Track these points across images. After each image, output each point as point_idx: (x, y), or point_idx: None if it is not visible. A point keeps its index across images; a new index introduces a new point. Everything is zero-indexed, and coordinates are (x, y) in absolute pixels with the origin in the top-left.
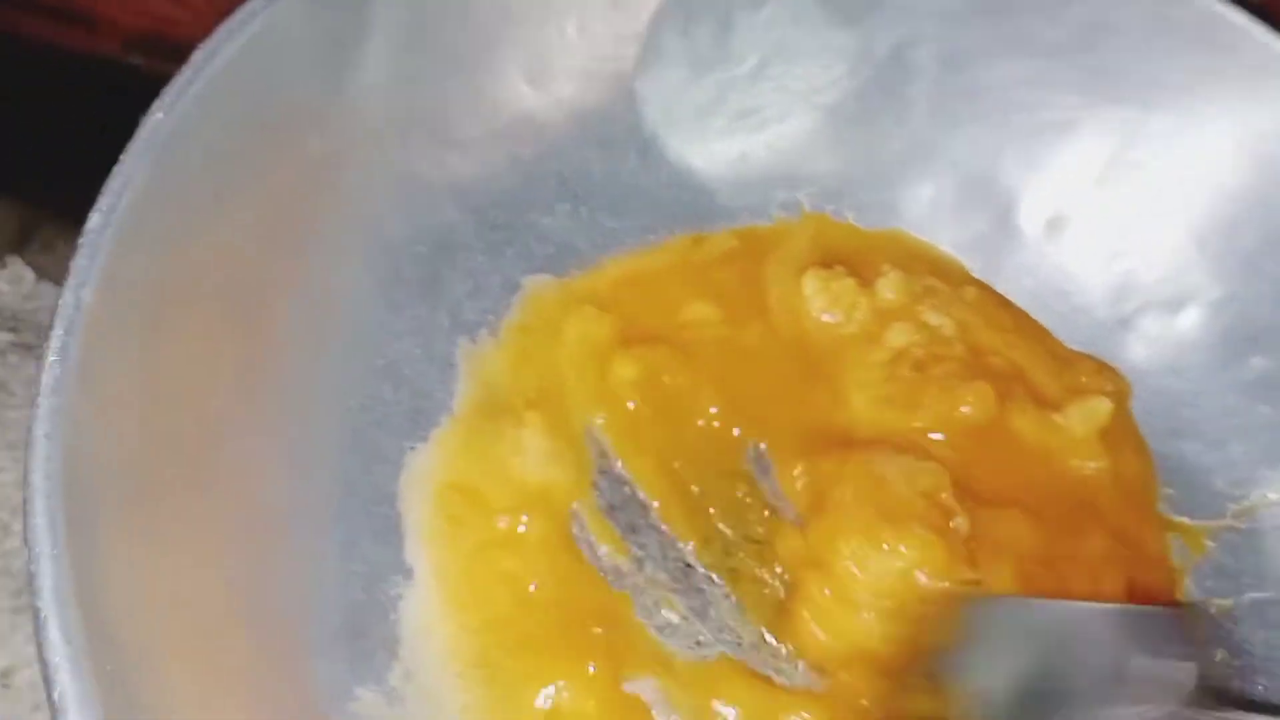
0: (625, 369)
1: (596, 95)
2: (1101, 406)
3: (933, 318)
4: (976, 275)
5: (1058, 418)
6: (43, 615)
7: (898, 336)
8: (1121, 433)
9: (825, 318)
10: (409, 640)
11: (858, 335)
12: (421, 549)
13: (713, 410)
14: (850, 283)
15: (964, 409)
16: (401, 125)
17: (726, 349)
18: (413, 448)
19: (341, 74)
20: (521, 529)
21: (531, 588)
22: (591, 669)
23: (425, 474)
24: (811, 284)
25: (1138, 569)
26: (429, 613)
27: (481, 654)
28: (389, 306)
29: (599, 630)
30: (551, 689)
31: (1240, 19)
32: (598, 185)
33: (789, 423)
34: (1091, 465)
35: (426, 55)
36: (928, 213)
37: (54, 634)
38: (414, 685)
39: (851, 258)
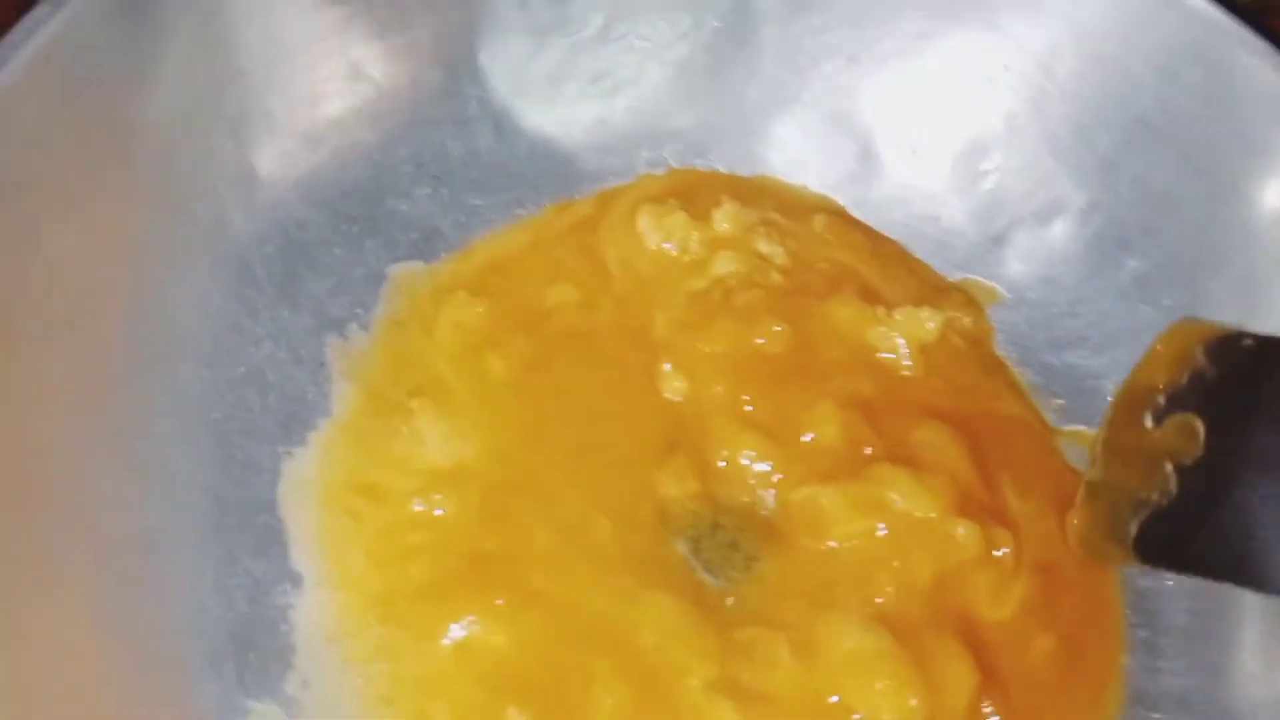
0: (497, 365)
1: (439, 73)
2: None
3: (764, 246)
4: (851, 212)
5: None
6: None
7: (722, 265)
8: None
9: (665, 247)
10: (304, 647)
11: (688, 265)
12: (313, 553)
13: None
14: (682, 215)
15: (758, 340)
16: (231, 121)
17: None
18: (289, 453)
19: (156, 73)
20: (438, 511)
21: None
22: (500, 602)
23: (308, 479)
24: (645, 220)
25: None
26: (325, 616)
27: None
28: (244, 311)
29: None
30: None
31: None
32: (456, 164)
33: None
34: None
35: (245, 47)
36: (794, 156)
37: None
38: (313, 692)
39: (688, 194)
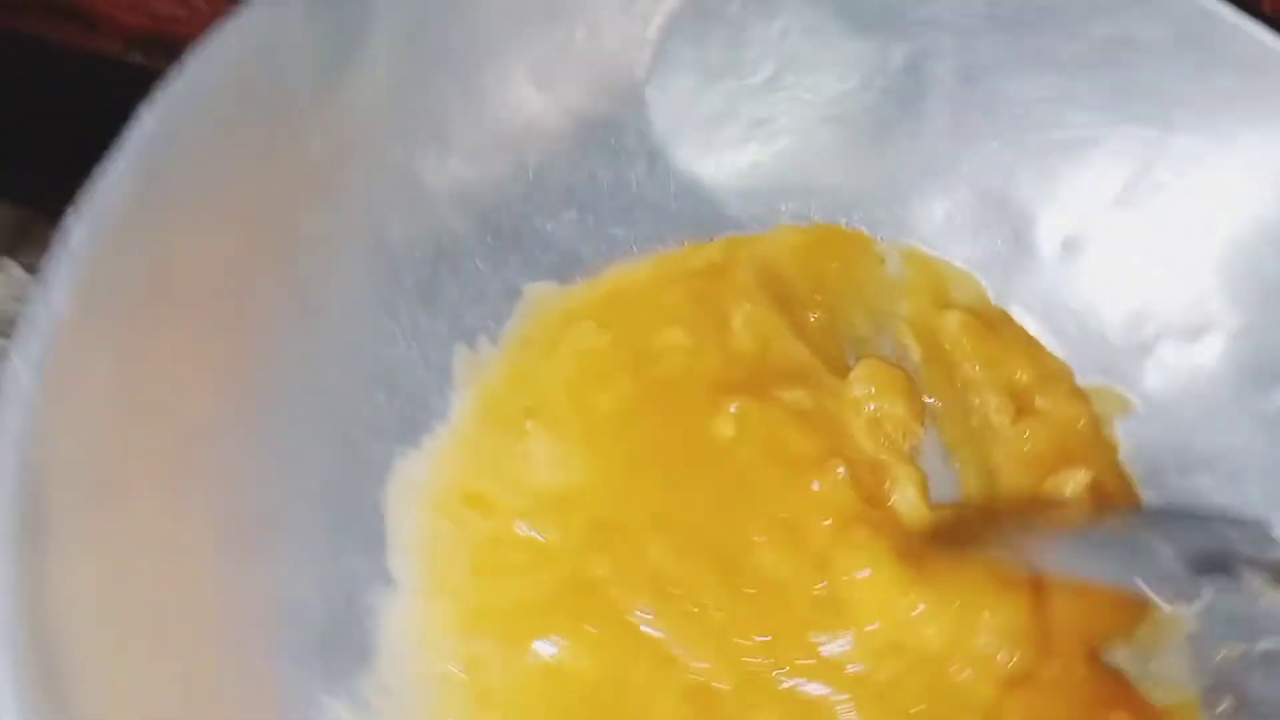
0: (605, 401)
1: (605, 102)
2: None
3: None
4: (991, 294)
5: None
6: None
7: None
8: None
9: None
10: (387, 651)
11: None
12: (410, 557)
13: None
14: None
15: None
16: (403, 129)
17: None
18: (404, 454)
19: (341, 77)
20: (543, 534)
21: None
22: (592, 629)
23: (417, 482)
24: None
25: None
26: (414, 623)
27: (476, 629)
28: (386, 312)
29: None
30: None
31: (1269, 39)
32: (604, 193)
33: None
34: None
35: (429, 58)
36: (941, 229)
37: None
38: (388, 698)
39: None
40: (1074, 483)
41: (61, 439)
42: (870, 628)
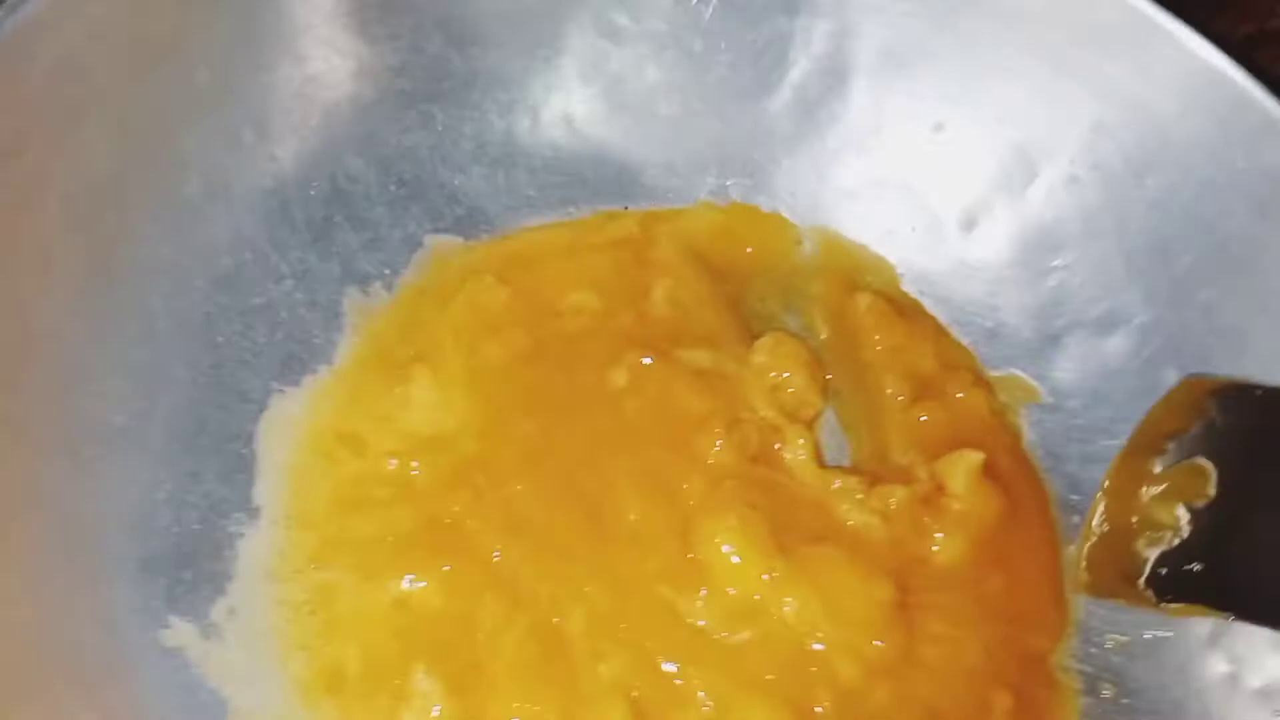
0: (495, 350)
1: (521, 62)
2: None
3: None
4: (903, 280)
5: None
6: None
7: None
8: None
9: None
10: (242, 578)
11: None
12: (279, 489)
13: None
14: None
15: None
16: (301, 63)
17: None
18: (281, 391)
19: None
20: (414, 471)
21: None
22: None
23: (293, 418)
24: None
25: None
26: (271, 553)
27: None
28: (273, 246)
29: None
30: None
31: (1173, 26)
32: (519, 151)
33: None
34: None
35: None
36: (860, 212)
37: None
38: (237, 622)
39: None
40: (965, 463)
41: None
42: (730, 590)
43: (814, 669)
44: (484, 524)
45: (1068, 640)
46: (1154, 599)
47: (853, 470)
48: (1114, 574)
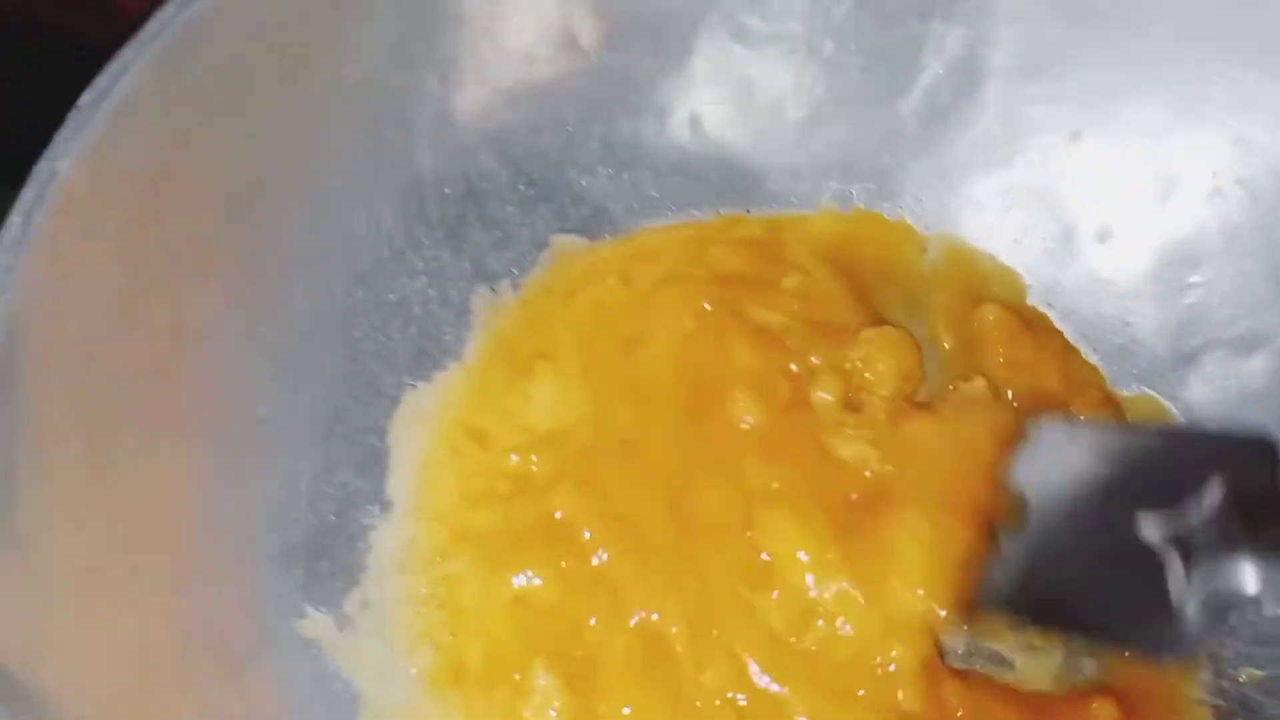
0: (610, 348)
1: (654, 63)
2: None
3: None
4: (1034, 291)
5: None
6: None
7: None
8: None
9: None
10: (374, 570)
11: None
12: (410, 484)
13: None
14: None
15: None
16: (440, 62)
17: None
18: (413, 386)
19: (380, 3)
20: (533, 466)
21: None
22: (564, 564)
23: (424, 413)
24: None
25: None
26: (402, 546)
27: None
28: (409, 244)
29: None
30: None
31: None
32: (644, 154)
33: None
34: None
35: None
36: (989, 222)
37: None
38: (369, 614)
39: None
40: None
41: (52, 305)
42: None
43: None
44: (589, 520)
45: (1198, 672)
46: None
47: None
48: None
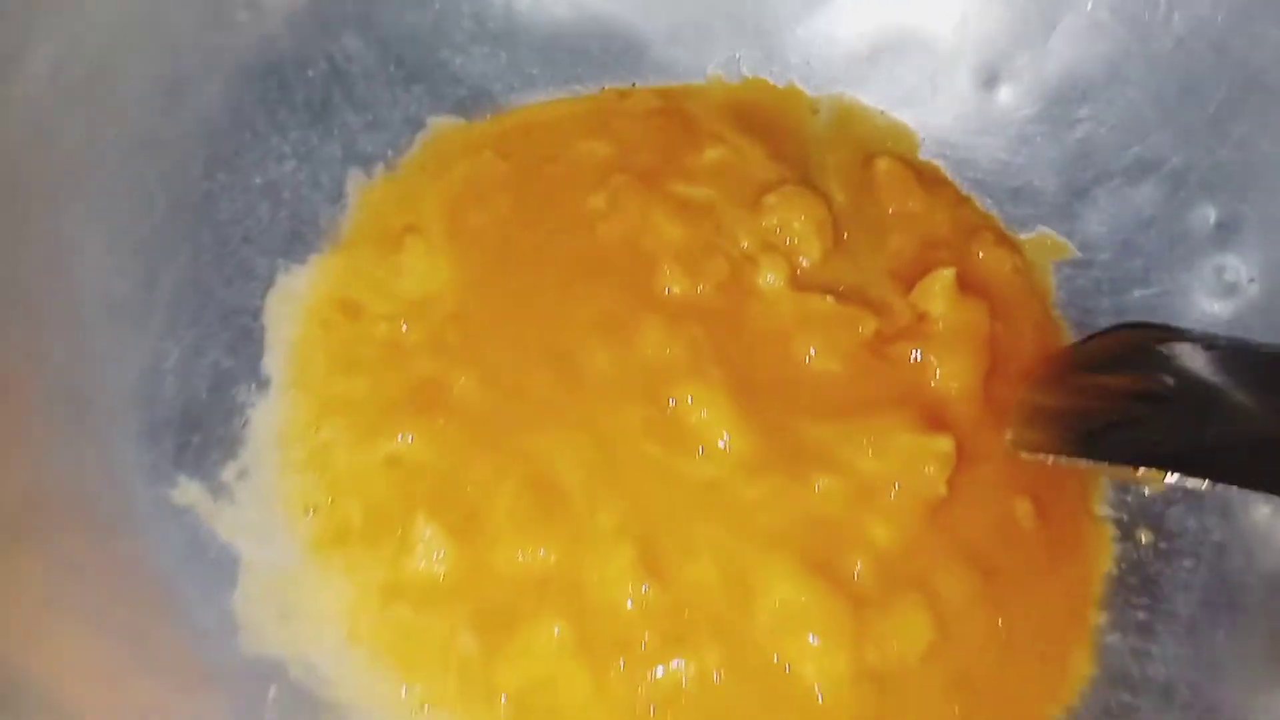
0: (479, 217)
1: None
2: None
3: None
4: (926, 143)
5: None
6: None
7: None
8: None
9: None
10: (252, 444)
11: None
12: (285, 360)
13: None
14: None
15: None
16: None
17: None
18: (287, 268)
19: None
20: (402, 332)
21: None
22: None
23: (298, 293)
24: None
25: None
26: (279, 420)
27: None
28: (273, 127)
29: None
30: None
31: None
32: (521, 28)
33: None
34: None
35: None
36: (874, 74)
37: None
38: (247, 483)
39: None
40: (939, 281)
41: None
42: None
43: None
44: (466, 381)
45: (1099, 487)
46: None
47: (828, 289)
48: (1049, 436)
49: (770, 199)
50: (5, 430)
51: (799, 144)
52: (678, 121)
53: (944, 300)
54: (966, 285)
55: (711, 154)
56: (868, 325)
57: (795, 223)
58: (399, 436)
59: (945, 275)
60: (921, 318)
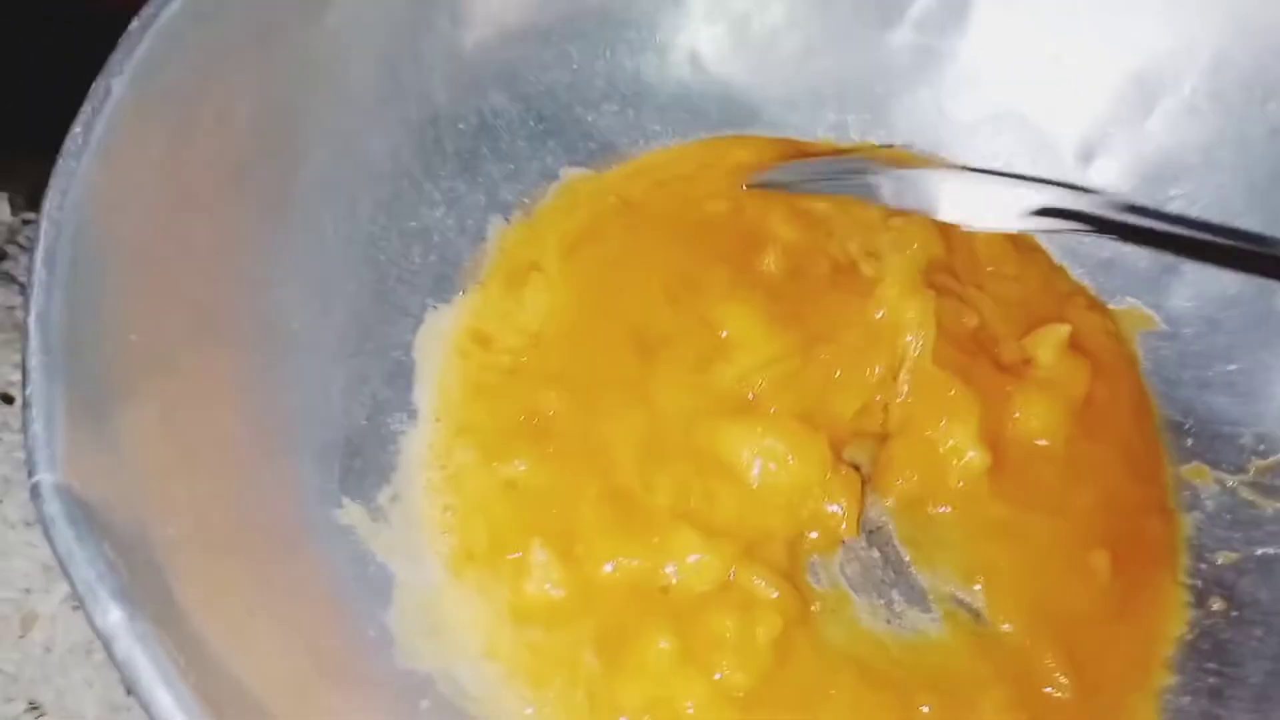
0: (592, 254)
1: (653, 3)
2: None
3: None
4: None
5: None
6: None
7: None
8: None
9: None
10: (404, 470)
11: None
12: (434, 392)
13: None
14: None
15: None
16: (453, 4)
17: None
18: (435, 307)
19: None
20: (521, 361)
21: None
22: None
23: (444, 331)
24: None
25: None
26: (424, 446)
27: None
28: (427, 175)
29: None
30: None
31: None
32: (646, 89)
33: None
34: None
35: None
36: (978, 146)
37: (34, 360)
38: (399, 507)
39: None
40: (1053, 335)
41: (109, 207)
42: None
43: None
44: (562, 403)
45: (1178, 554)
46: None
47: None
48: None
49: (895, 221)
50: (214, 452)
51: None
52: (797, 157)
53: (1055, 351)
54: (1073, 344)
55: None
56: (970, 319)
57: (908, 248)
58: (514, 462)
59: (1061, 329)
60: (1028, 362)
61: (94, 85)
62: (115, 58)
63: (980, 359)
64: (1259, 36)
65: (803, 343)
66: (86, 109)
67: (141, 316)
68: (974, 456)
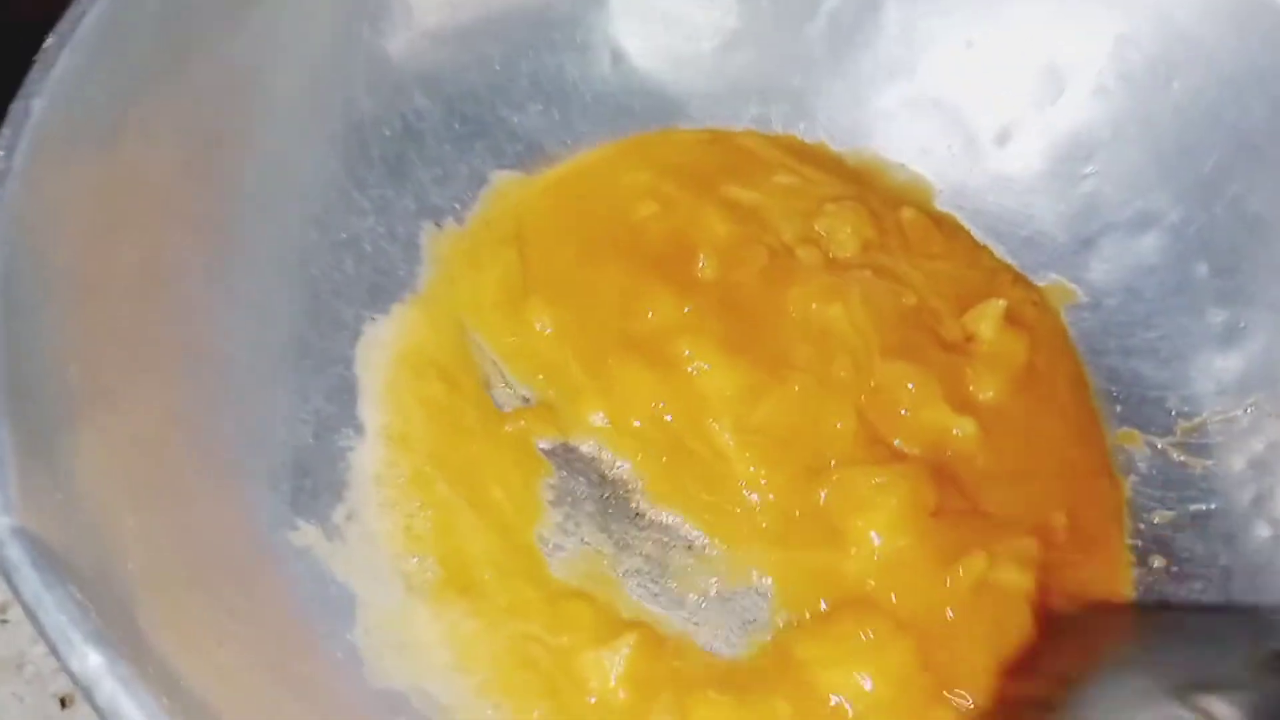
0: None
1: (573, 2)
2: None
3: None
4: (943, 195)
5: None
6: None
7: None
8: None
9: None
10: (357, 486)
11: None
12: (379, 407)
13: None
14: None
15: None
16: (373, 12)
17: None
18: (372, 319)
19: None
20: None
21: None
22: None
23: (384, 342)
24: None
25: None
26: (379, 463)
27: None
28: (354, 184)
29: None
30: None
31: None
32: (570, 88)
33: None
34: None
35: None
36: (897, 133)
37: None
38: (356, 525)
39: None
40: (991, 310)
41: (38, 234)
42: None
43: None
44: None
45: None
46: None
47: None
48: None
49: (830, 207)
50: (164, 483)
51: None
52: (732, 149)
53: (994, 326)
54: (1009, 318)
55: (781, 179)
56: (909, 298)
57: (841, 233)
58: (497, 491)
59: (998, 304)
60: (969, 338)
61: (12, 106)
62: (33, 76)
63: (926, 337)
64: (1161, 21)
65: (768, 367)
66: (7, 131)
67: (79, 348)
68: (963, 426)
